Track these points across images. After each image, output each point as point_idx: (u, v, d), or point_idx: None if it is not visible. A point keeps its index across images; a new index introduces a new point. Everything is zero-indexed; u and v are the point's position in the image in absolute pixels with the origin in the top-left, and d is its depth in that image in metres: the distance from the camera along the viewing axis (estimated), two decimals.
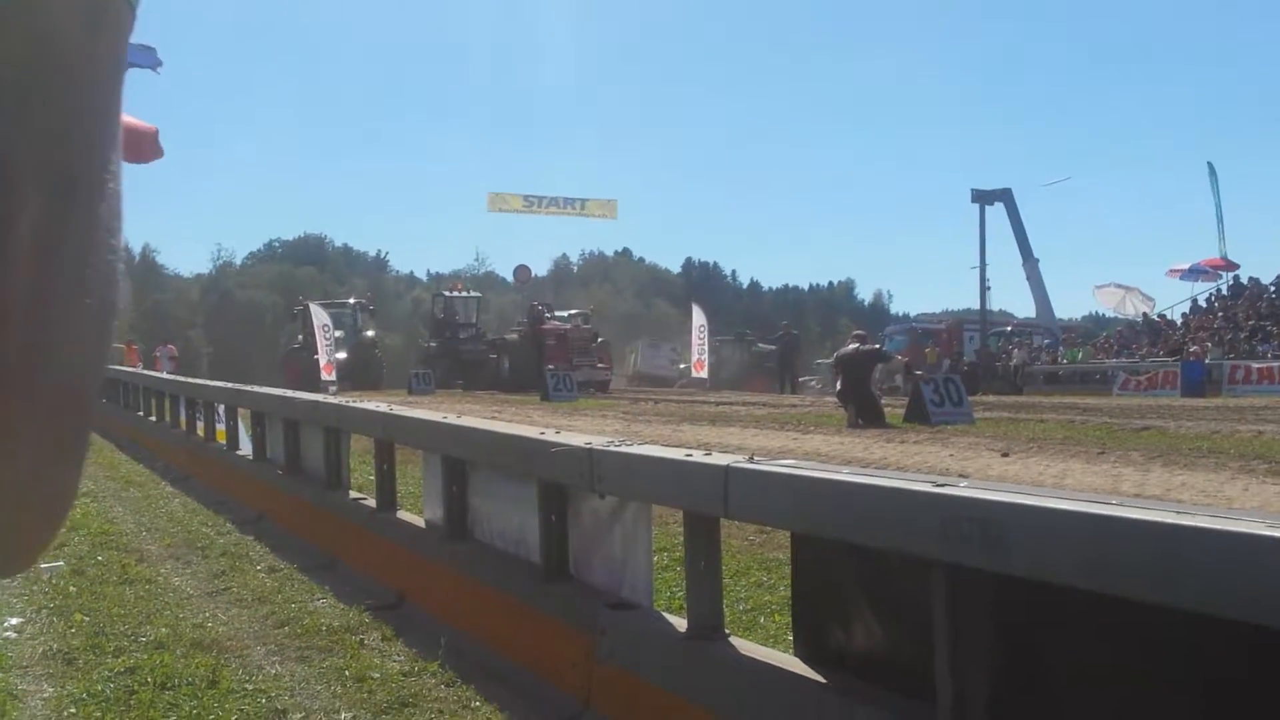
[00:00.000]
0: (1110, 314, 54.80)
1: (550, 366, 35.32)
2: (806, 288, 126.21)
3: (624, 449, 5.41)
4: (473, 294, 52.27)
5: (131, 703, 5.71)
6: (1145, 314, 49.21)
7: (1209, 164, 53.46)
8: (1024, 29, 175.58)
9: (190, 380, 20.97)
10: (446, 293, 51.71)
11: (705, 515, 4.80)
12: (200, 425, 16.87)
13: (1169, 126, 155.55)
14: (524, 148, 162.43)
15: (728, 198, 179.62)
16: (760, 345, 57.15)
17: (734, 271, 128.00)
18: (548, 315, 42.76)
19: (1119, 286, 52.89)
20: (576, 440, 5.87)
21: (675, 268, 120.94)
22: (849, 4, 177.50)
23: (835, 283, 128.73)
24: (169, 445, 18.02)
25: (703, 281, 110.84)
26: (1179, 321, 46.50)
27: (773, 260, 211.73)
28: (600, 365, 40.71)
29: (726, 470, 4.43)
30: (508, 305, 69.82)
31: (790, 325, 47.38)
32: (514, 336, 42.35)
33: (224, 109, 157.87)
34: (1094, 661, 3.22)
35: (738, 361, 55.75)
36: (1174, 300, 50.87)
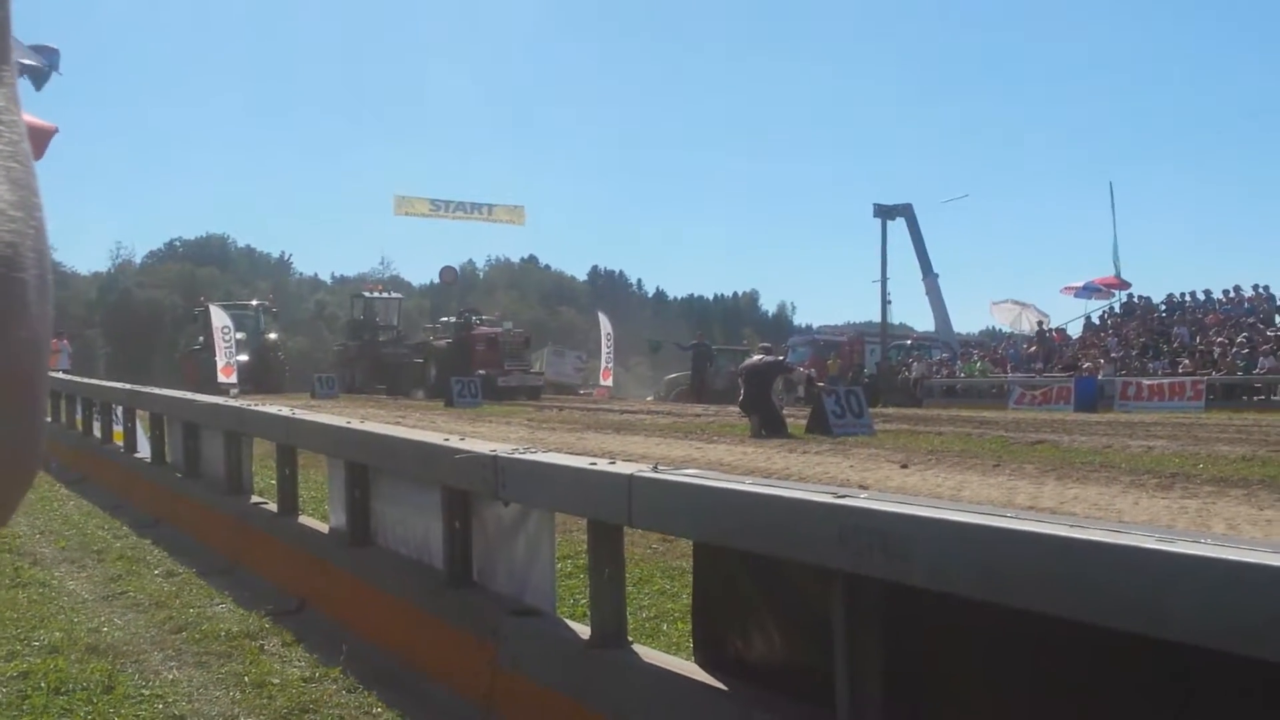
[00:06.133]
0: (1007, 329, 55.76)
1: (481, 371, 34.96)
2: (712, 298, 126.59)
3: (528, 456, 5.43)
4: (393, 295, 51.52)
5: (25, 708, 5.62)
6: (1040, 323, 50.07)
7: (1109, 184, 54.74)
8: (927, 46, 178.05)
9: (87, 380, 20.58)
10: (366, 293, 50.89)
11: (609, 523, 4.83)
12: (97, 426, 16.58)
13: (1065, 147, 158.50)
14: (431, 152, 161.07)
15: (634, 207, 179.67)
16: (653, 341, 57.27)
17: (639, 280, 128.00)
18: (477, 320, 42.32)
19: (1015, 303, 53.84)
20: (481, 447, 5.88)
21: (581, 275, 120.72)
22: (754, 16, 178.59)
23: (740, 293, 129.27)
24: (64, 446, 17.65)
25: (608, 290, 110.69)
26: (1074, 338, 47.44)
27: (678, 270, 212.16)
28: (533, 371, 40.23)
29: (630, 479, 4.47)
30: (411, 309, 69.32)
31: (704, 334, 47.72)
32: (443, 342, 41.67)
33: (124, 106, 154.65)
34: (989, 671, 3.32)
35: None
36: (1068, 317, 51.92)
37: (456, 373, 35.18)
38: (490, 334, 40.21)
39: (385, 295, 50.68)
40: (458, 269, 56.85)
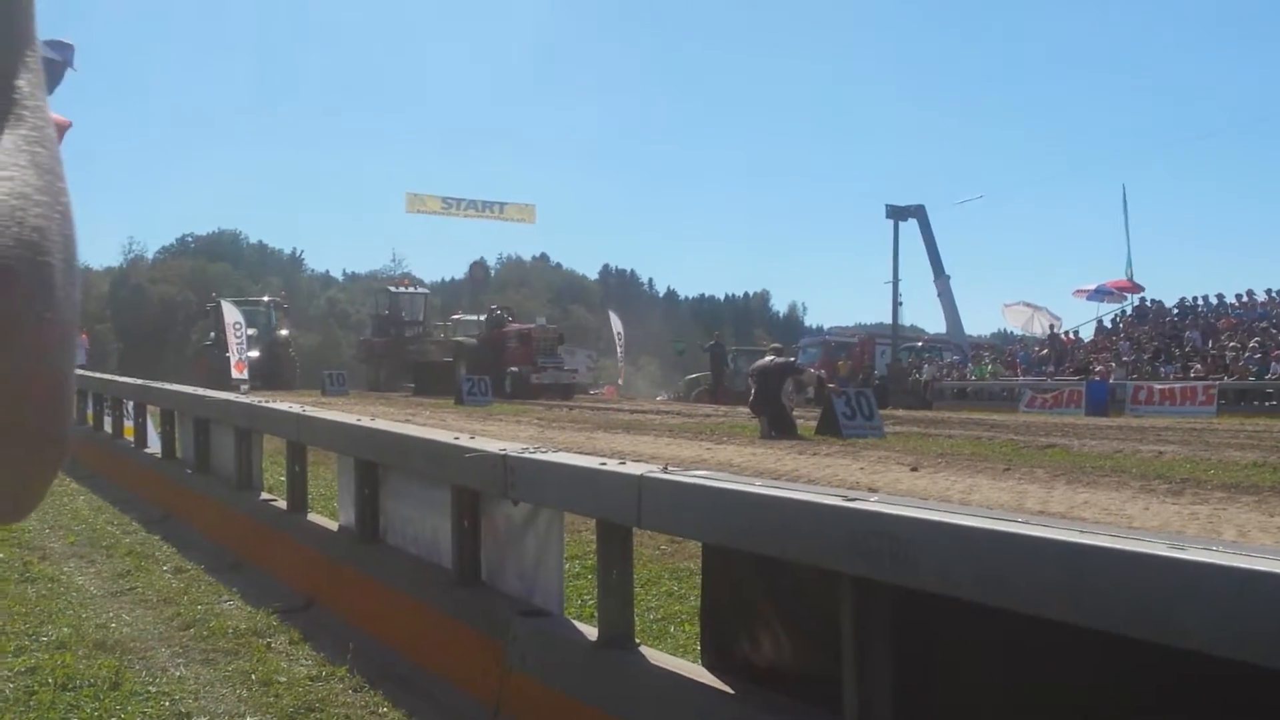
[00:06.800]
0: (1018, 332, 55.62)
1: (514, 368, 34.61)
2: (723, 298, 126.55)
3: (538, 456, 5.42)
4: (420, 290, 50.56)
5: (31, 703, 5.61)
6: (1052, 326, 49.91)
7: (1123, 187, 54.60)
8: (940, 46, 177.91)
9: (98, 375, 20.62)
10: (392, 288, 50.05)
11: (618, 524, 4.82)
12: (108, 421, 16.61)
13: (1079, 149, 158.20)
14: (443, 149, 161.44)
15: (646, 206, 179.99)
16: (678, 345, 57.22)
17: (651, 280, 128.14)
18: (508, 317, 41.73)
19: (1027, 305, 53.64)
20: (491, 446, 5.87)
21: (592, 274, 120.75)
22: (767, 16, 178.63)
23: (751, 293, 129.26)
24: (74, 441, 17.66)
25: (619, 289, 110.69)
26: (1086, 341, 47.28)
27: (690, 269, 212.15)
28: (567, 369, 39.40)
29: (640, 480, 4.45)
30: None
31: (721, 335, 47.75)
32: (472, 340, 41.03)
33: (136, 101, 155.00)
34: (997, 676, 3.30)
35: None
36: (1080, 320, 51.77)
37: (488, 371, 34.32)
38: (523, 330, 39.29)
39: (411, 290, 49.72)
40: (483, 264, 56.22)
